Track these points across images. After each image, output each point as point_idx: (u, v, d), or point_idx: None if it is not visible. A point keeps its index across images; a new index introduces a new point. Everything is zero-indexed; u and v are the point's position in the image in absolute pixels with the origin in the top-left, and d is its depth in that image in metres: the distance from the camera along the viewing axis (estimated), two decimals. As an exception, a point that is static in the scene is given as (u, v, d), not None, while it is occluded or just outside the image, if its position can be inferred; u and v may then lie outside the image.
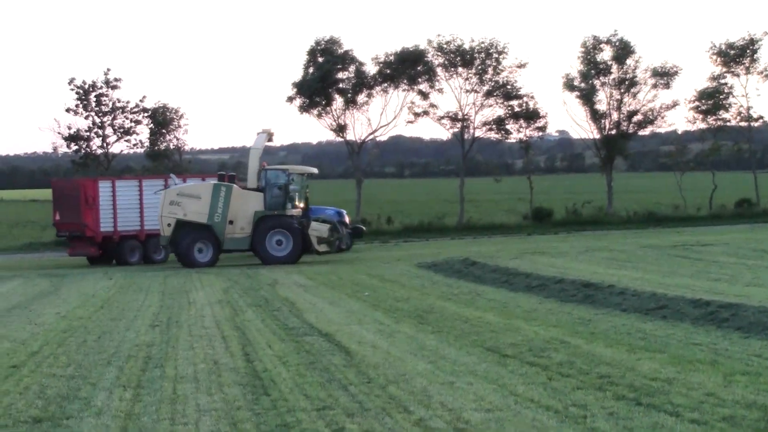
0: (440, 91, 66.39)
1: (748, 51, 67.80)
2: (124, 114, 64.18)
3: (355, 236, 47.59)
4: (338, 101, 65.88)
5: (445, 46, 65.53)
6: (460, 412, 11.92)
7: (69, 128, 63.39)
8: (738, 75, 68.45)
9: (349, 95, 65.58)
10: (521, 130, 67.34)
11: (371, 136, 67.55)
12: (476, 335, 17.97)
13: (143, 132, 65.04)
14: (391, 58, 65.49)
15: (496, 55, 65.65)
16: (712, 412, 11.49)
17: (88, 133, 63.58)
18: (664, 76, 67.72)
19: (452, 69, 65.84)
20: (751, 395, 12.29)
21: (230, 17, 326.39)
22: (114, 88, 63.83)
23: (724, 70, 68.60)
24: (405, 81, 65.66)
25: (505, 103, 66.39)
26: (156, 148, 65.63)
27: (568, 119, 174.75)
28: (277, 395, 13.29)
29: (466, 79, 65.97)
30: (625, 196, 77.75)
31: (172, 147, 66.48)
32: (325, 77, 64.77)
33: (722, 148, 72.58)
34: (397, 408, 12.29)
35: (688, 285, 24.35)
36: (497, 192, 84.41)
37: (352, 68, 65.80)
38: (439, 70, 65.98)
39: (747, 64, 67.93)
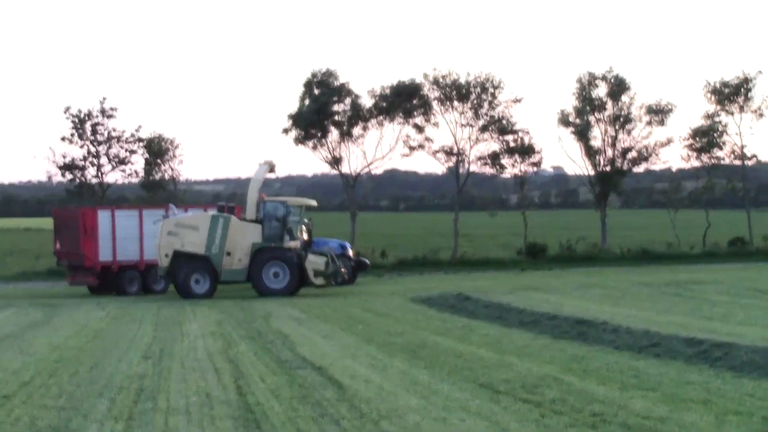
0: (436, 124, 66.67)
1: (742, 89, 68.13)
2: (120, 143, 64.34)
3: (359, 269, 47.69)
4: (334, 133, 66.04)
5: (441, 79, 65.79)
6: (453, 449, 11.88)
7: (64, 157, 63.60)
8: (732, 113, 68.81)
9: (344, 128, 65.71)
10: (516, 165, 67.58)
11: (366, 169, 67.73)
12: (469, 371, 17.94)
13: (138, 162, 65.21)
14: (387, 91, 65.70)
15: (492, 90, 65.91)
16: (705, 452, 11.47)
17: (83, 163, 63.72)
18: (658, 113, 68.03)
19: (448, 103, 66.07)
20: (744, 435, 12.27)
21: (226, 49, 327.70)
22: (110, 117, 64.07)
23: (719, 108, 68.95)
24: (400, 114, 65.81)
25: (501, 137, 66.61)
26: (151, 178, 65.69)
27: (562, 155, 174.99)
28: (269, 429, 13.25)
29: (462, 113, 66.22)
30: (619, 233, 77.79)
31: (167, 177, 66.56)
32: (321, 109, 64.92)
33: (716, 186, 72.82)
34: (390, 443, 12.25)
35: (681, 323, 24.35)
36: (492, 227, 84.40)
37: (348, 101, 65.98)
38: (434, 103, 66.25)
39: (741, 103, 68.25)
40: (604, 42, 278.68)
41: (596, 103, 68.12)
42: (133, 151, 64.71)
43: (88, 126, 63.59)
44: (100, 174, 64.07)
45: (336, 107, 65.84)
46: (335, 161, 66.45)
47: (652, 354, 19.36)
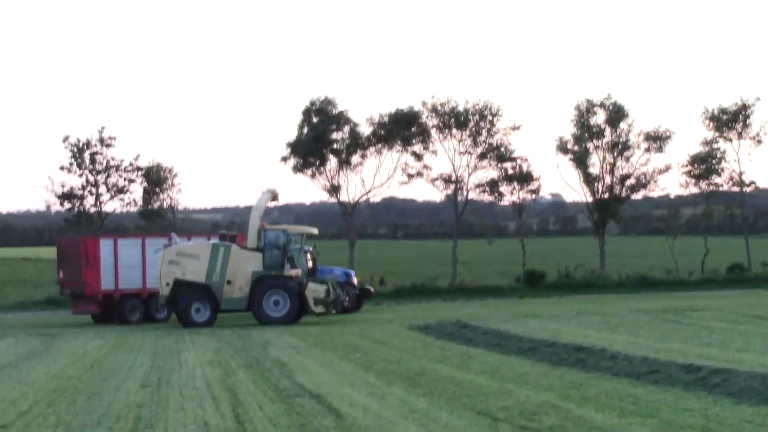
0: (434, 152, 66.76)
1: (740, 116, 68.29)
2: (118, 172, 64.38)
3: (363, 297, 47.80)
4: (332, 161, 66.11)
5: (439, 107, 65.93)
6: (451, 477, 11.86)
7: (62, 186, 63.60)
8: (730, 140, 68.94)
9: (343, 156, 65.78)
10: (514, 192, 67.66)
11: (365, 197, 67.79)
12: (468, 398, 17.92)
13: (137, 191, 65.26)
14: (386, 119, 65.79)
15: (490, 117, 66.03)
16: (703, 479, 11.45)
17: (81, 192, 63.72)
18: (657, 140, 68.17)
19: (446, 130, 66.18)
20: (742, 462, 12.25)
21: (225, 78, 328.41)
22: (108, 146, 64.14)
23: (717, 134, 69.07)
24: (399, 142, 65.89)
25: (499, 165, 66.71)
26: (149, 206, 65.74)
27: (561, 182, 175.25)
28: (267, 457, 13.22)
29: (460, 140, 66.33)
30: (618, 260, 77.81)
31: (165, 206, 66.61)
32: (320, 137, 65.01)
33: (714, 212, 72.87)
34: (387, 472, 12.23)
35: (679, 350, 24.34)
36: (490, 254, 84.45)
37: (346, 129, 66.07)
38: (433, 131, 66.36)
39: (739, 129, 68.38)
40: (603, 69, 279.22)
41: (594, 130, 68.27)
42: (131, 180, 64.80)
43: (86, 155, 63.68)
44: (98, 203, 64.11)
45: (334, 135, 65.95)
46: (334, 189, 66.51)
47: (650, 381, 19.35)
